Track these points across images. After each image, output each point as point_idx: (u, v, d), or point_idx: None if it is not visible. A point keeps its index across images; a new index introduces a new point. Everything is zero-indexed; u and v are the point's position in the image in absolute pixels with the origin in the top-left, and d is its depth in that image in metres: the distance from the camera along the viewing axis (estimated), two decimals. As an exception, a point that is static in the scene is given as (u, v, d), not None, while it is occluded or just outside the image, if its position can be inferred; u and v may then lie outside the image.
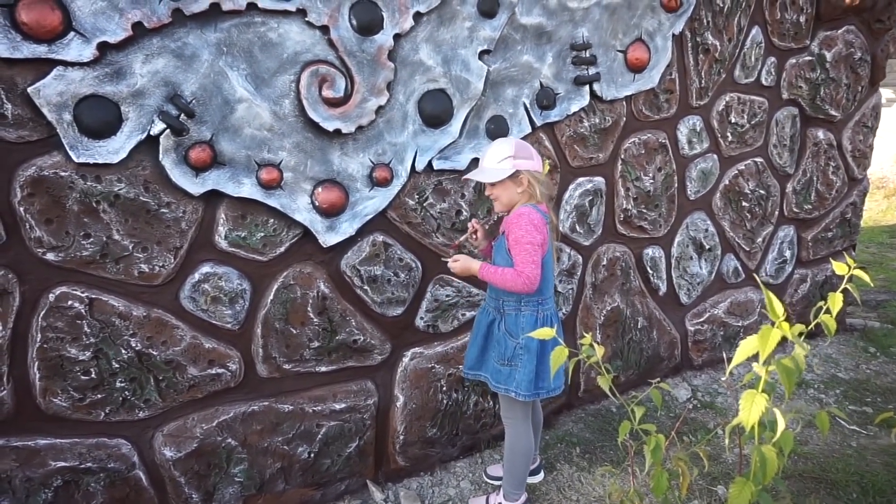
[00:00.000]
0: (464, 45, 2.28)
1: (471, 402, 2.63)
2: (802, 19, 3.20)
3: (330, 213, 2.16)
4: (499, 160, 2.00)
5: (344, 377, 2.36)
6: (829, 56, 3.35)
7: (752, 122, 3.23)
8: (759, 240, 3.50)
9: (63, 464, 1.89)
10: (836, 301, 1.47)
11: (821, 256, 3.79)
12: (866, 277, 1.50)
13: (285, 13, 1.95)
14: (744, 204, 3.36)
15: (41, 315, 1.82)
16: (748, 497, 1.15)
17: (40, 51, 1.67)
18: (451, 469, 2.57)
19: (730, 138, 3.18)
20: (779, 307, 1.11)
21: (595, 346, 1.38)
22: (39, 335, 1.82)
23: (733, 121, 3.16)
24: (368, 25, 2.06)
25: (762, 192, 3.40)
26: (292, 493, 2.30)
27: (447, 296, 2.51)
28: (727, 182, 3.27)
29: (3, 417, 1.81)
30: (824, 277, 3.82)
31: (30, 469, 1.85)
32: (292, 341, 2.21)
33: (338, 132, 2.10)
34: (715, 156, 3.18)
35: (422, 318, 2.48)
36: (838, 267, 1.54)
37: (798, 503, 1.40)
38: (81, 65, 1.73)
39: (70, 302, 1.85)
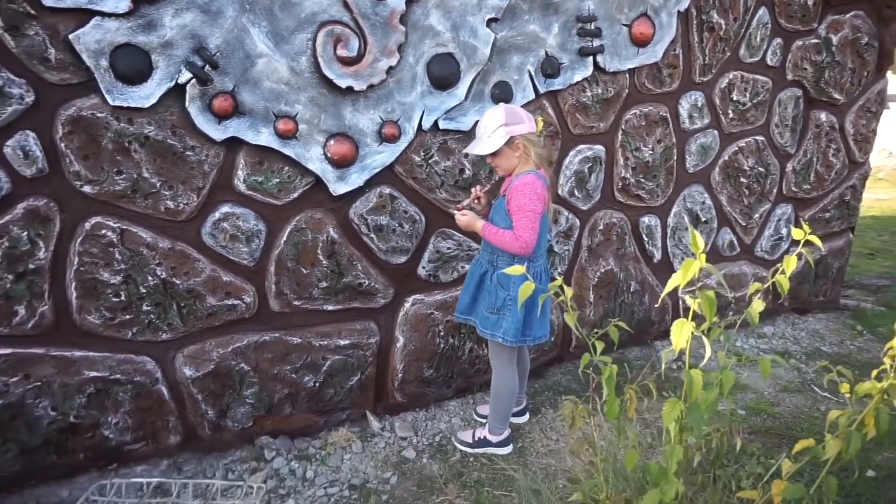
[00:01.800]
0: (472, 12, 2.42)
1: (466, 348, 2.83)
2: (811, 2, 3.27)
3: (340, 164, 2.34)
4: (492, 130, 2.14)
5: (349, 316, 2.57)
6: (835, 40, 3.41)
7: (755, 101, 3.32)
8: (756, 216, 3.62)
9: (95, 374, 2.14)
10: (790, 263, 1.63)
11: (817, 236, 3.88)
12: (819, 242, 1.65)
13: (306, -25, 2.11)
14: (742, 180, 3.47)
15: (78, 241, 2.04)
16: (678, 412, 1.33)
17: (81, 1, 1.87)
18: (445, 407, 2.79)
19: (731, 115, 3.29)
20: (700, 241, 1.28)
21: (565, 287, 1.55)
22: (76, 259, 2.05)
23: (735, 98, 3.26)
24: (382, -10, 2.22)
25: (761, 169, 3.51)
26: (298, 417, 2.54)
27: (448, 248, 2.69)
28: (727, 158, 3.38)
29: (44, 330, 2.05)
30: (819, 257, 3.93)
31: (66, 376, 2.09)
32: (302, 280, 2.42)
33: (350, 89, 2.27)
34: (715, 131, 3.29)
35: (423, 268, 2.67)
36: (796, 233, 1.70)
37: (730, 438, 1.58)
38: (117, 16, 1.91)
39: (104, 231, 2.07)
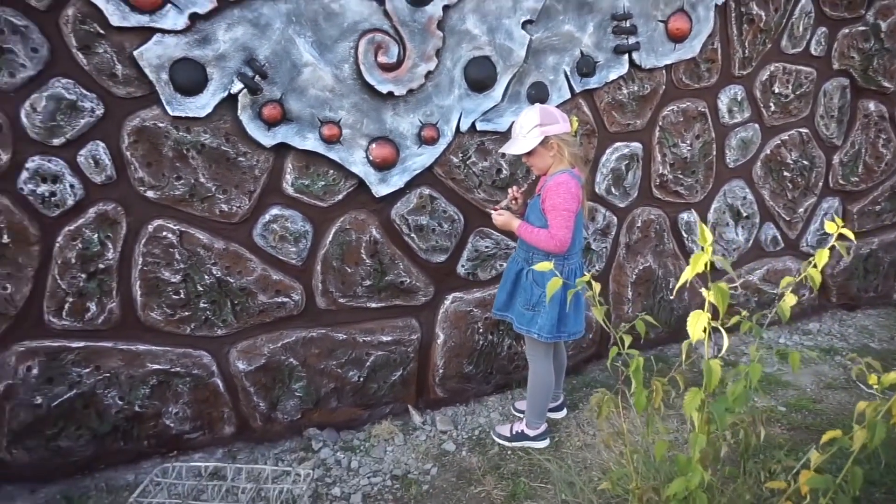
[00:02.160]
0: (508, 15, 2.49)
1: (505, 345, 2.90)
2: (857, -11, 3.21)
3: (382, 166, 2.44)
4: (527, 130, 2.21)
5: (391, 314, 2.67)
6: (884, 26, 3.33)
7: (798, 93, 3.28)
8: (801, 210, 3.56)
9: (158, 366, 2.30)
10: (822, 256, 1.65)
11: (866, 230, 3.80)
12: (851, 235, 1.66)
13: (347, -13, 2.21)
14: (785, 174, 3.42)
15: (142, 242, 2.20)
16: (698, 401, 1.38)
17: (143, 20, 2.02)
18: (484, 402, 2.87)
19: (772, 108, 3.25)
20: (708, 235, 1.31)
21: (593, 282, 1.60)
22: (141, 259, 2.21)
23: (777, 91, 3.22)
24: (420, -2, 2.31)
25: (806, 162, 3.46)
26: (343, 410, 2.65)
27: (486, 247, 2.77)
28: (769, 151, 3.35)
29: (112, 325, 2.23)
30: (869, 251, 3.84)
31: (132, 368, 2.26)
32: (347, 279, 2.53)
33: (391, 94, 2.37)
34: (756, 125, 3.26)
35: (463, 266, 2.75)
36: (828, 226, 1.71)
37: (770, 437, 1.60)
38: (176, 32, 2.06)
39: (165, 233, 2.22)
